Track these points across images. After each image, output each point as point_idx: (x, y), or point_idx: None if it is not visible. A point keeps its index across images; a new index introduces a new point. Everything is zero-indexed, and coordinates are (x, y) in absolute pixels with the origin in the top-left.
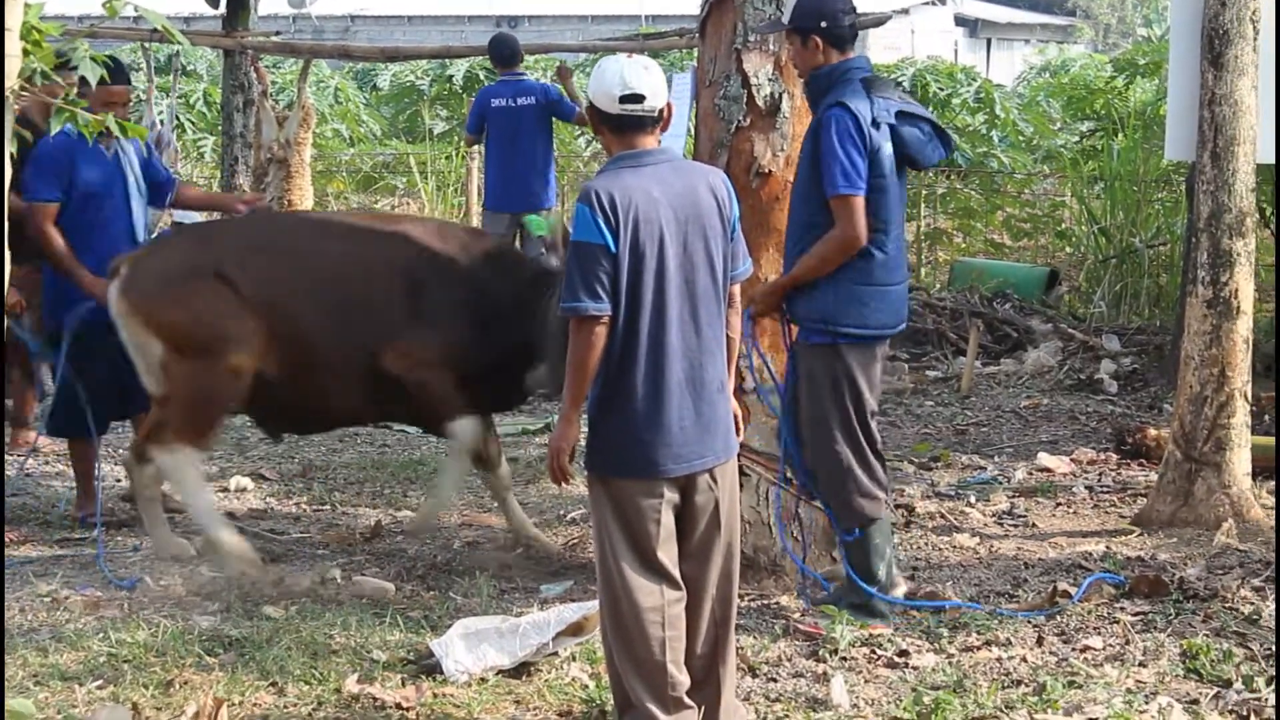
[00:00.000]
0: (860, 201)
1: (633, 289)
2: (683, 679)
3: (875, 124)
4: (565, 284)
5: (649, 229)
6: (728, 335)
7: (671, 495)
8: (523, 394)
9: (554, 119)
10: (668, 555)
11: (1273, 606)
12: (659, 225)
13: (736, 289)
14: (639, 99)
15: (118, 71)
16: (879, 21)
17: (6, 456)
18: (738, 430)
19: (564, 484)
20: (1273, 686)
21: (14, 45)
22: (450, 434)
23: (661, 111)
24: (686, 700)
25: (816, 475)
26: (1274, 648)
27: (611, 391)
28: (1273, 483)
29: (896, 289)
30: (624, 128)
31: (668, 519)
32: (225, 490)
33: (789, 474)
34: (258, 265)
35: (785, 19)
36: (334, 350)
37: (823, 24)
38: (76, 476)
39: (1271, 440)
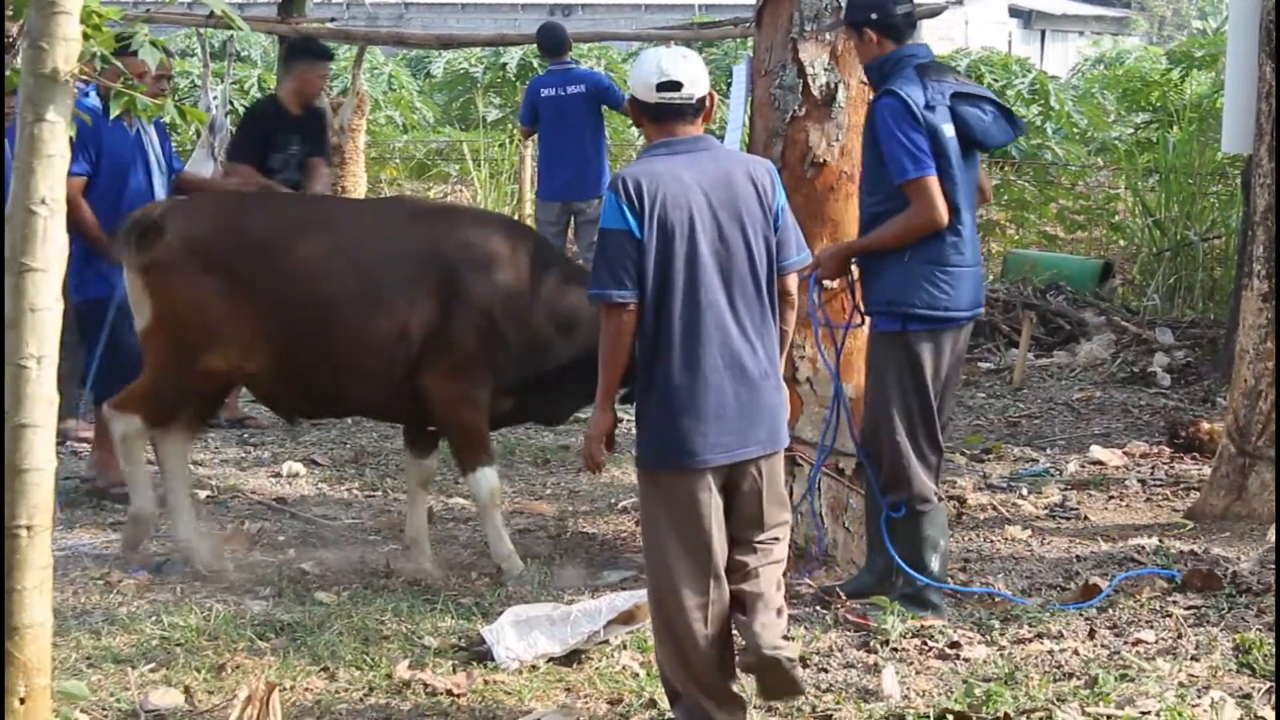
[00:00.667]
0: (934, 181)
1: (662, 275)
2: (728, 674)
3: (930, 107)
4: (593, 271)
5: (678, 214)
6: (781, 328)
7: (714, 484)
8: (575, 405)
9: (604, 107)
10: (715, 549)
11: None
12: (689, 210)
13: (791, 280)
14: (677, 86)
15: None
16: (934, 12)
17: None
18: (790, 421)
19: (596, 473)
20: None
21: (74, 29)
22: (470, 480)
23: (702, 100)
24: (735, 693)
25: (870, 454)
26: (1275, 636)
27: (649, 380)
28: None
29: (968, 271)
30: (662, 116)
31: (714, 511)
32: (278, 475)
33: (840, 464)
34: (281, 259)
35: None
36: (362, 354)
37: (872, 15)
38: (100, 447)
39: None
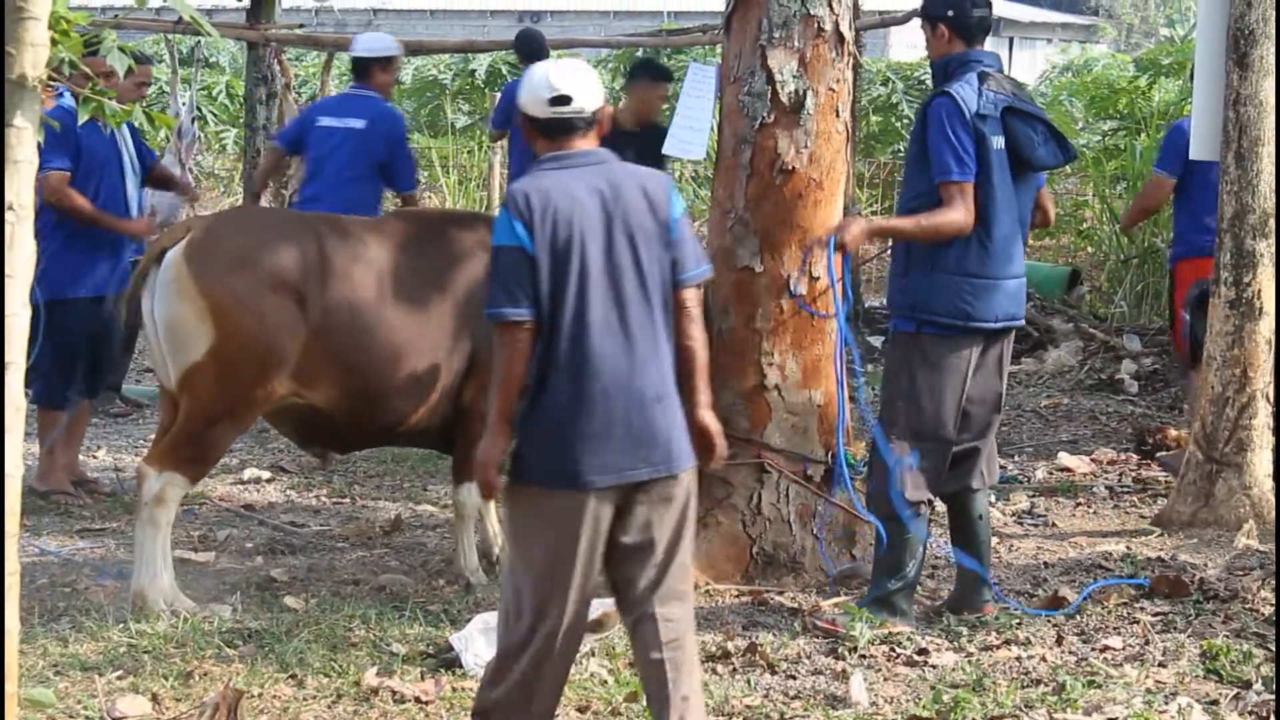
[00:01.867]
0: (970, 188)
1: (553, 292)
2: (552, 704)
3: (981, 115)
4: (489, 290)
5: (569, 230)
6: (684, 344)
7: (599, 509)
8: None
9: None
10: (579, 575)
11: None
12: (580, 226)
13: (690, 294)
14: (567, 100)
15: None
16: (903, 19)
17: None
18: (711, 447)
19: (489, 499)
20: None
21: (42, 34)
22: (463, 490)
23: (595, 114)
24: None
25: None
26: (1276, 635)
27: (534, 397)
28: None
29: (999, 284)
30: (554, 131)
31: (589, 535)
32: (241, 482)
33: (808, 471)
34: (339, 277)
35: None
36: (429, 376)
37: (949, 12)
38: (45, 447)
39: None
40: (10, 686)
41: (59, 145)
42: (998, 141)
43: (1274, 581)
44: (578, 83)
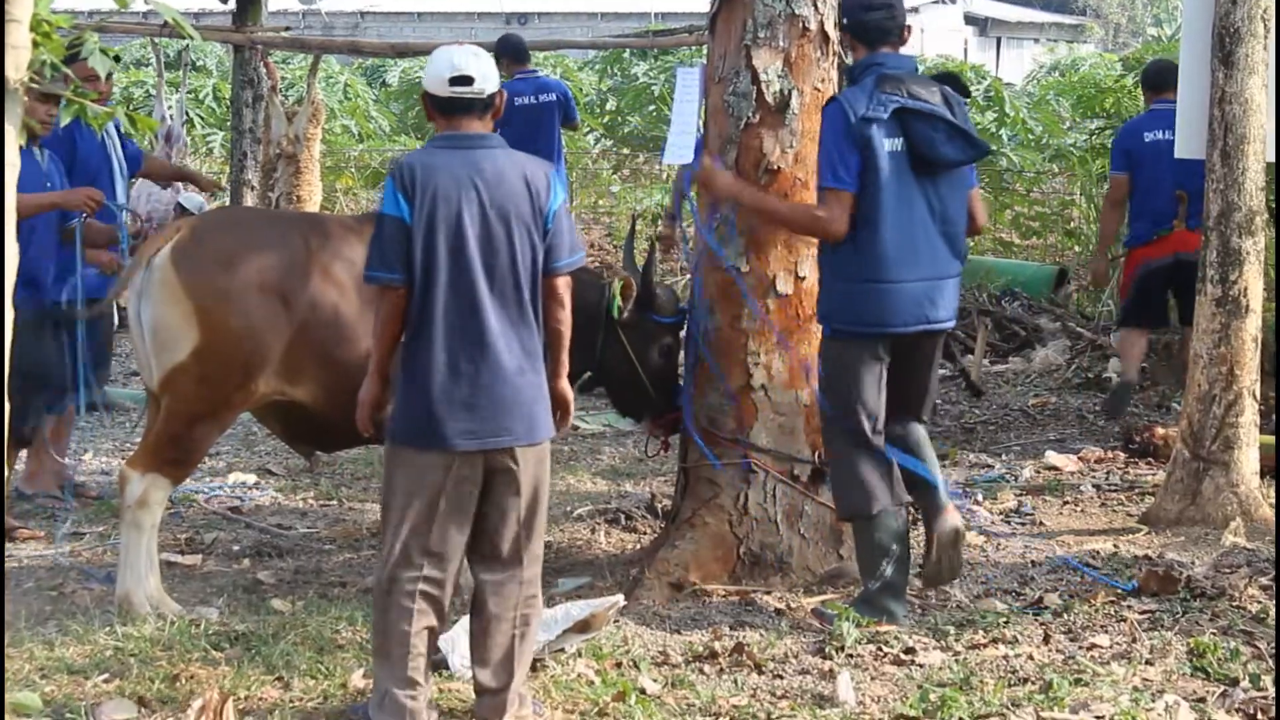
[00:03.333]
0: (846, 197)
1: (426, 263)
2: (419, 656)
3: (867, 119)
4: (369, 254)
5: (447, 207)
6: (551, 325)
7: (464, 471)
8: None
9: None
10: (443, 532)
11: None
12: (458, 204)
13: (559, 281)
14: (468, 81)
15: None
16: None
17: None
18: (563, 415)
19: (366, 434)
20: None
21: (23, 37)
22: None
23: (493, 97)
24: (417, 679)
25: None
26: (1276, 636)
27: (409, 361)
28: None
29: (899, 287)
30: (452, 110)
31: (454, 495)
32: (232, 484)
33: (795, 471)
34: (322, 275)
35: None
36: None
37: (844, 20)
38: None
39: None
40: None
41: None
42: (891, 144)
43: (1262, 580)
44: (479, 65)
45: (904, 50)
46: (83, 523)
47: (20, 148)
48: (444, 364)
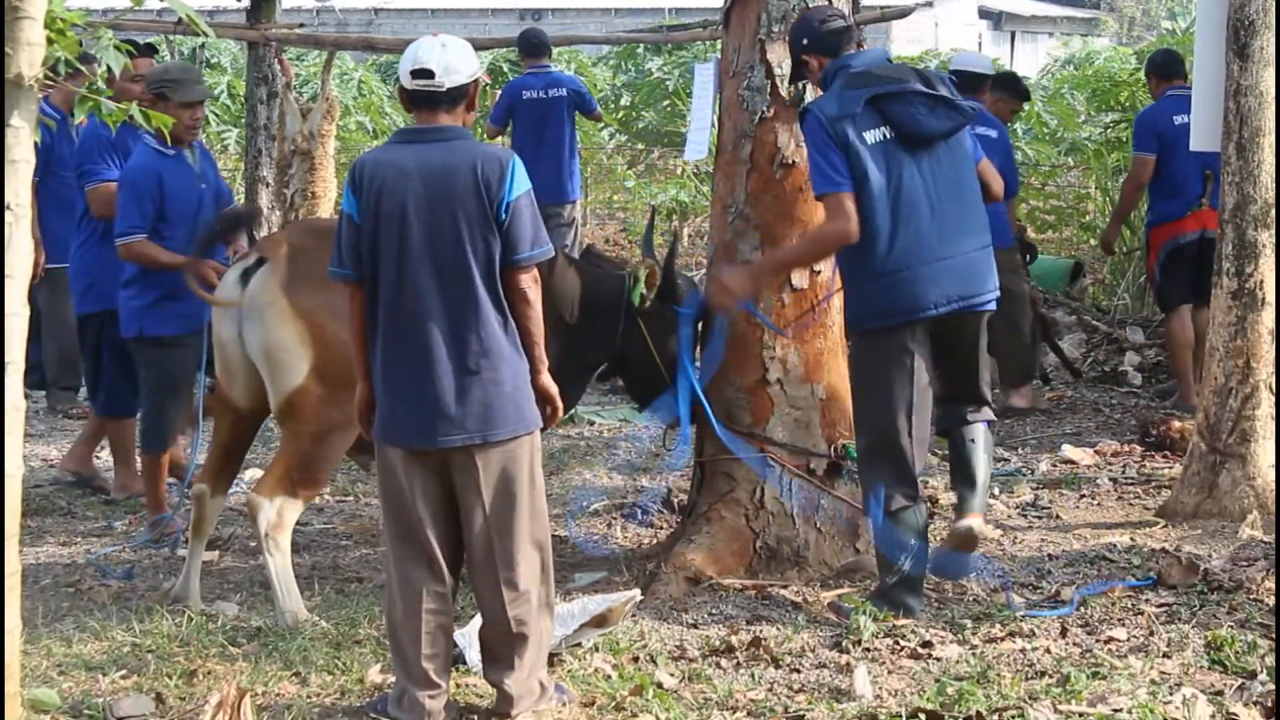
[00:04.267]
0: (843, 196)
1: (373, 260)
2: (424, 651)
3: (840, 118)
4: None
5: (393, 203)
6: (519, 322)
7: (428, 468)
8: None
9: (578, 113)
10: (425, 533)
11: None
12: (404, 200)
13: (521, 275)
14: (428, 74)
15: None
16: (903, 14)
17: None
18: (550, 411)
19: (365, 437)
20: None
21: (38, 34)
22: None
23: (460, 89)
24: (434, 678)
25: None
26: (1275, 627)
27: (373, 358)
28: None
29: (915, 273)
30: (416, 103)
31: (421, 490)
32: (241, 480)
33: (811, 465)
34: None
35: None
36: None
37: (804, 41)
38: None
39: None
40: (11, 686)
41: (105, 155)
42: (875, 134)
43: (1277, 572)
44: (442, 58)
45: (911, 45)
46: (98, 518)
47: (163, 151)
48: (395, 361)
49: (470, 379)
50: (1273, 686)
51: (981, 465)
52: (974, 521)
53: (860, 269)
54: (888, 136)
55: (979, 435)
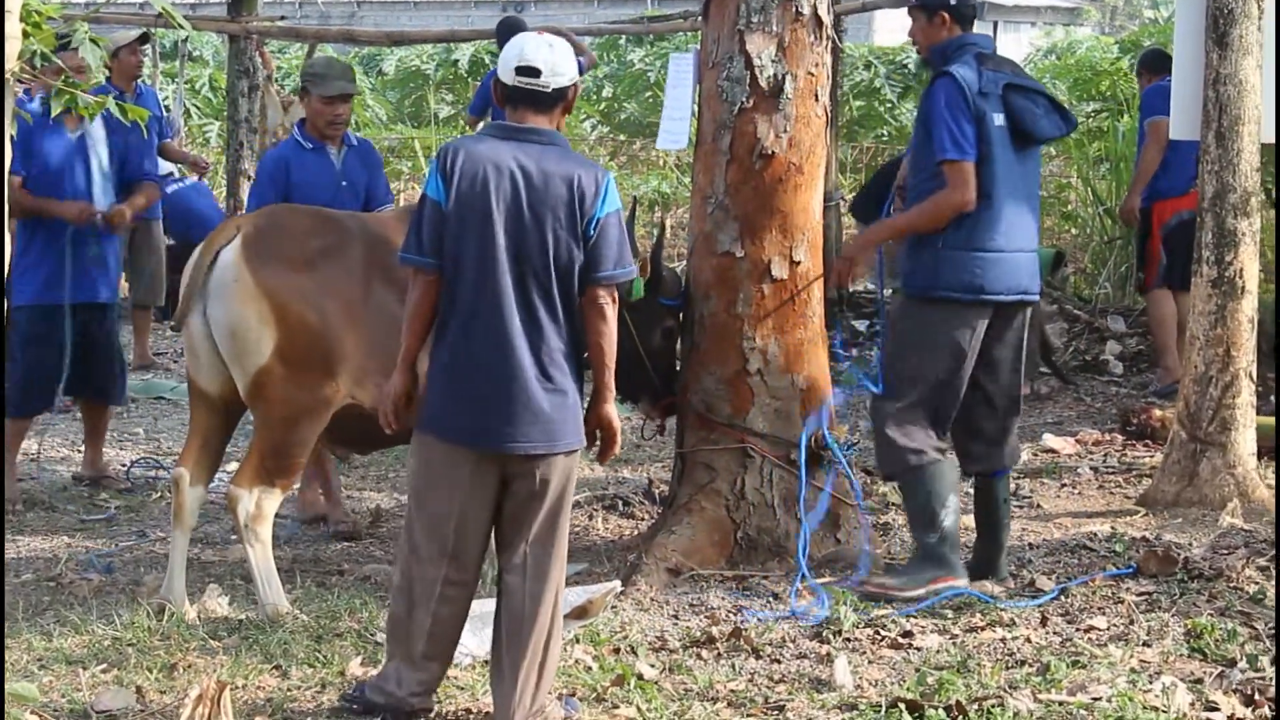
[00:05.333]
0: (969, 167)
1: (456, 252)
2: (437, 653)
3: (983, 94)
4: (406, 235)
5: (483, 197)
6: (591, 339)
7: (482, 469)
8: None
9: None
10: (462, 529)
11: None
12: (494, 196)
13: (600, 292)
14: (534, 73)
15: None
16: (887, 4)
17: None
18: (609, 441)
19: (391, 430)
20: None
21: (14, 27)
22: None
23: (561, 91)
24: (427, 669)
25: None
26: (1276, 621)
27: (436, 346)
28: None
29: (1006, 257)
30: (515, 100)
31: (471, 491)
32: (227, 472)
33: (791, 455)
34: (383, 274)
35: None
36: None
37: (952, 1)
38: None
39: (1275, 421)
40: None
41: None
42: (998, 119)
43: (1259, 561)
44: (549, 58)
45: (893, 35)
46: (80, 511)
47: (302, 144)
48: (464, 355)
49: (542, 386)
50: (1253, 675)
51: (1008, 526)
52: (997, 588)
53: (961, 239)
54: (1003, 124)
55: (1008, 493)
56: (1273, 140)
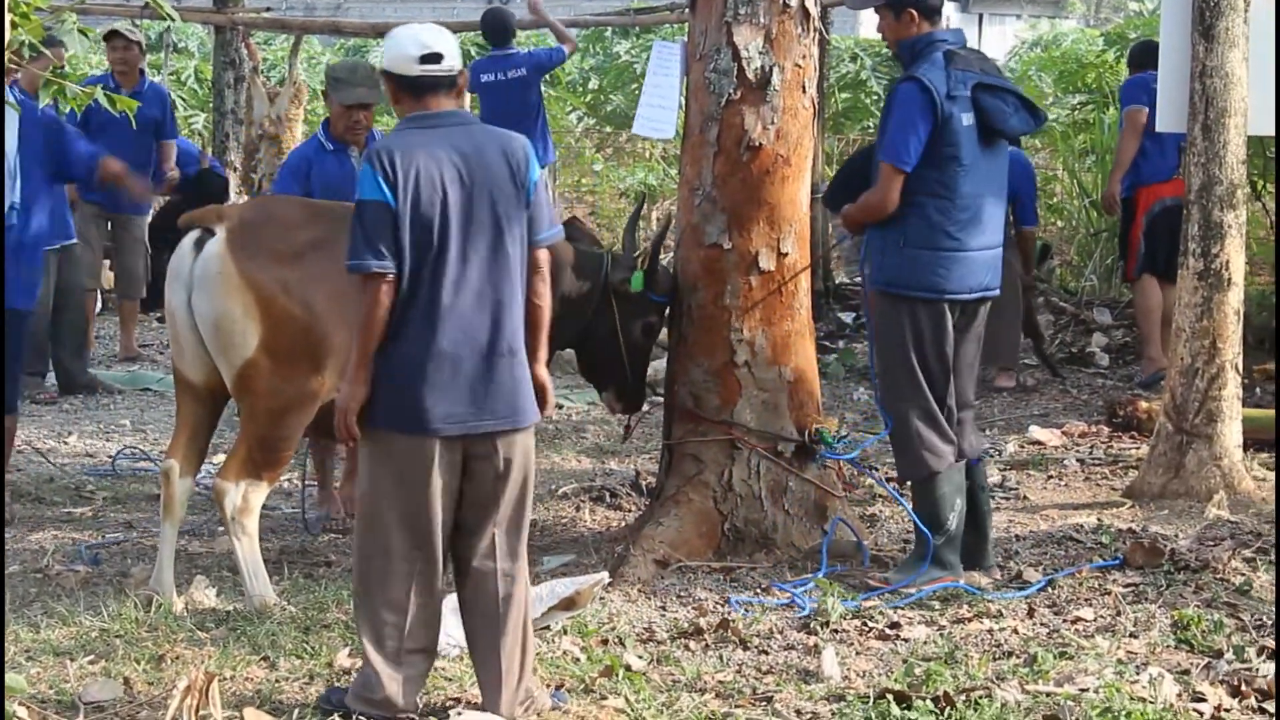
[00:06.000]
0: (899, 176)
1: (413, 247)
2: (421, 642)
3: (950, 96)
4: (349, 243)
5: (430, 188)
6: (533, 301)
7: (448, 456)
8: None
9: (546, 79)
10: (431, 520)
11: (1264, 577)
12: (441, 184)
13: (542, 254)
14: (438, 59)
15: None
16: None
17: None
18: (543, 401)
19: (350, 444)
20: (1263, 656)
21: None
22: None
23: (458, 76)
24: (413, 663)
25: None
26: (1276, 617)
27: (389, 345)
28: (1263, 455)
29: (969, 255)
30: (422, 89)
31: (440, 480)
32: (213, 464)
33: (779, 447)
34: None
35: None
36: None
37: None
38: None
39: (1261, 413)
40: None
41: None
42: (966, 119)
43: (1245, 552)
44: (447, 43)
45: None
46: (65, 503)
47: (324, 145)
48: (427, 347)
49: (501, 363)
50: (1239, 665)
51: (990, 514)
52: (984, 579)
53: (924, 237)
54: (972, 123)
55: (985, 480)
56: (1260, 133)
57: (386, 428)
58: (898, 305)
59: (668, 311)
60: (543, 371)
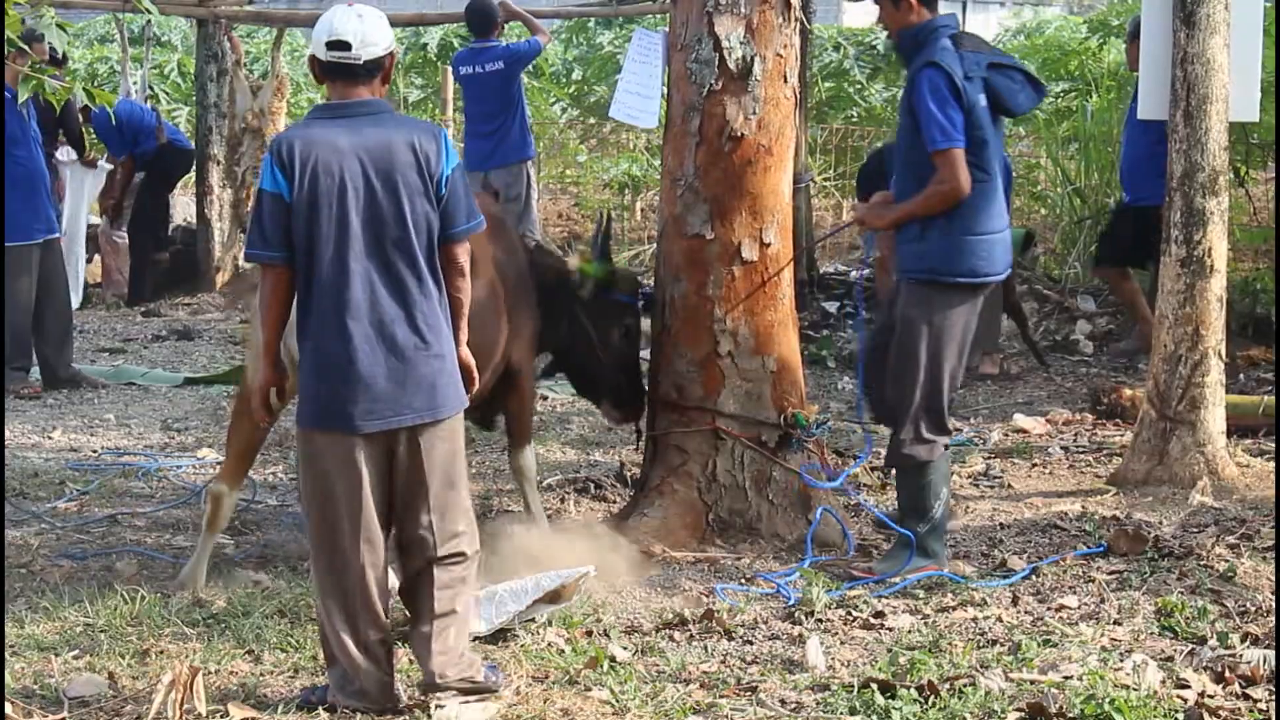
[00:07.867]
0: (960, 154)
1: (310, 240)
2: (376, 632)
3: (968, 78)
4: (249, 231)
5: (329, 180)
6: (452, 294)
7: (372, 450)
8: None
9: (529, 70)
10: (367, 513)
11: (1248, 564)
12: (341, 177)
13: (460, 248)
14: (345, 46)
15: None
16: None
17: None
18: (468, 382)
19: (264, 424)
20: (1247, 643)
21: None
22: (526, 453)
23: (377, 62)
24: (378, 651)
25: (888, 404)
26: (1276, 614)
27: (304, 341)
28: (1247, 441)
29: (999, 237)
30: (332, 75)
31: (366, 477)
32: (199, 459)
33: (763, 437)
34: None
35: None
36: (491, 346)
37: None
38: None
39: (1244, 399)
40: None
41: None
42: (982, 99)
43: (1229, 539)
44: (359, 28)
45: (865, 15)
46: (49, 497)
47: None
48: (340, 345)
49: (417, 356)
50: (1223, 652)
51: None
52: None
53: (957, 224)
54: (985, 105)
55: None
56: (1241, 119)
57: (312, 427)
58: (941, 293)
59: (642, 306)
60: (466, 353)
